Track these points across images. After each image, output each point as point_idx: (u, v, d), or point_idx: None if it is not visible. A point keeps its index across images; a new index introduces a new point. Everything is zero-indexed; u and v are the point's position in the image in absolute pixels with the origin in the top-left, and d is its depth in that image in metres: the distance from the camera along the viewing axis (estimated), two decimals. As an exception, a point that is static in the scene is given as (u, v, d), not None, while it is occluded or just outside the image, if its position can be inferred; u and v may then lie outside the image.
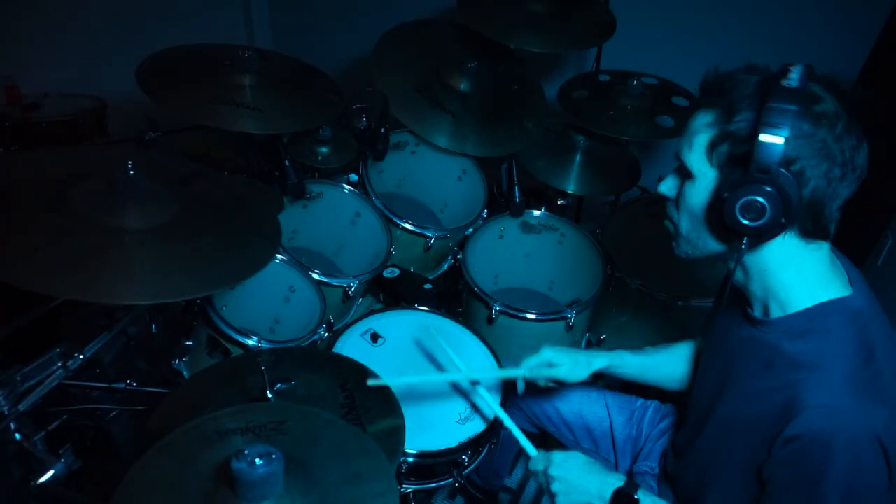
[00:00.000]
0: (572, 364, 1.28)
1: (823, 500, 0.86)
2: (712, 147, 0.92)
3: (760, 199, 0.86)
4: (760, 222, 0.88)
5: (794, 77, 0.85)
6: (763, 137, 0.84)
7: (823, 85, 0.87)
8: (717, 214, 0.92)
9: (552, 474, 1.12)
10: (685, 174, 0.98)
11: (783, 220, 0.87)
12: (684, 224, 1.01)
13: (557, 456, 1.14)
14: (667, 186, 1.04)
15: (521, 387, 1.34)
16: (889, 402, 0.86)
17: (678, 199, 1.01)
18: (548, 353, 1.28)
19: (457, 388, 1.44)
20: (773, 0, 2.42)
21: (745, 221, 0.88)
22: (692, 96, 2.15)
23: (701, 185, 0.95)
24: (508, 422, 1.26)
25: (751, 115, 0.87)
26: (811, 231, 0.92)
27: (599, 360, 1.31)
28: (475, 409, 1.41)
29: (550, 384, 1.34)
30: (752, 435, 0.96)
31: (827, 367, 0.89)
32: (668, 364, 1.35)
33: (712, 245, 0.99)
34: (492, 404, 1.32)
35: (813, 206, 0.89)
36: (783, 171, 0.85)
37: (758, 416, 0.95)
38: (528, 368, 1.30)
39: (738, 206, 0.88)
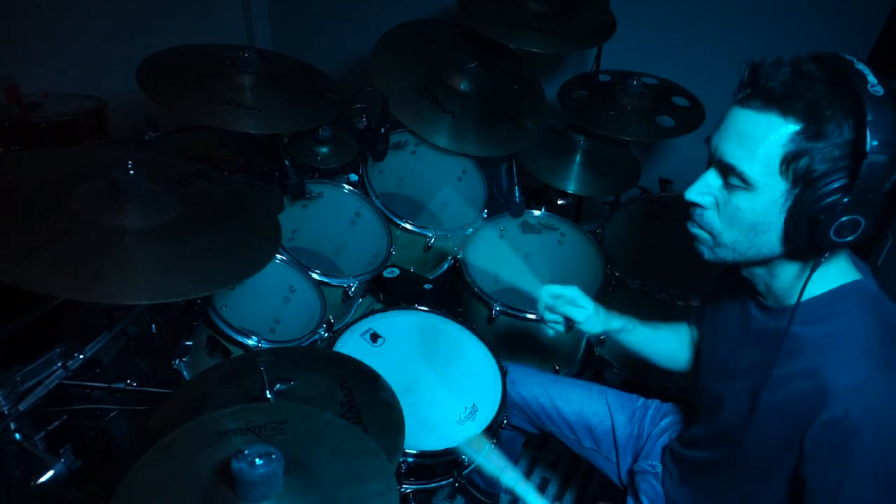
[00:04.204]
0: (593, 312, 1.25)
1: (860, 483, 0.84)
2: (789, 161, 0.83)
3: (861, 219, 0.80)
4: (851, 238, 0.82)
5: (873, 81, 0.78)
6: (873, 159, 0.76)
7: (886, 83, 0.80)
8: (803, 232, 0.85)
9: None
10: (737, 182, 0.88)
11: (871, 231, 0.82)
12: (730, 235, 0.93)
13: None
14: (699, 193, 0.94)
15: (550, 332, 1.31)
16: None
17: (722, 207, 0.92)
18: (575, 291, 1.24)
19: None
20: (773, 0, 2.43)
21: (838, 239, 0.82)
22: (692, 96, 2.15)
23: (767, 198, 0.86)
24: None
25: (844, 131, 0.79)
26: None
27: (616, 322, 1.28)
28: (475, 409, 1.41)
29: (560, 328, 1.29)
30: (776, 425, 0.94)
31: (851, 346, 0.87)
32: (673, 341, 1.35)
33: (765, 253, 0.92)
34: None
35: None
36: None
37: (780, 405, 0.93)
38: (549, 295, 1.25)
39: (834, 226, 0.81)
